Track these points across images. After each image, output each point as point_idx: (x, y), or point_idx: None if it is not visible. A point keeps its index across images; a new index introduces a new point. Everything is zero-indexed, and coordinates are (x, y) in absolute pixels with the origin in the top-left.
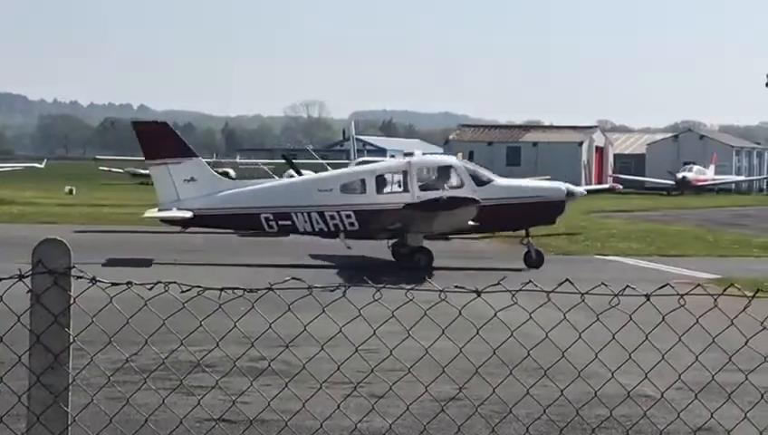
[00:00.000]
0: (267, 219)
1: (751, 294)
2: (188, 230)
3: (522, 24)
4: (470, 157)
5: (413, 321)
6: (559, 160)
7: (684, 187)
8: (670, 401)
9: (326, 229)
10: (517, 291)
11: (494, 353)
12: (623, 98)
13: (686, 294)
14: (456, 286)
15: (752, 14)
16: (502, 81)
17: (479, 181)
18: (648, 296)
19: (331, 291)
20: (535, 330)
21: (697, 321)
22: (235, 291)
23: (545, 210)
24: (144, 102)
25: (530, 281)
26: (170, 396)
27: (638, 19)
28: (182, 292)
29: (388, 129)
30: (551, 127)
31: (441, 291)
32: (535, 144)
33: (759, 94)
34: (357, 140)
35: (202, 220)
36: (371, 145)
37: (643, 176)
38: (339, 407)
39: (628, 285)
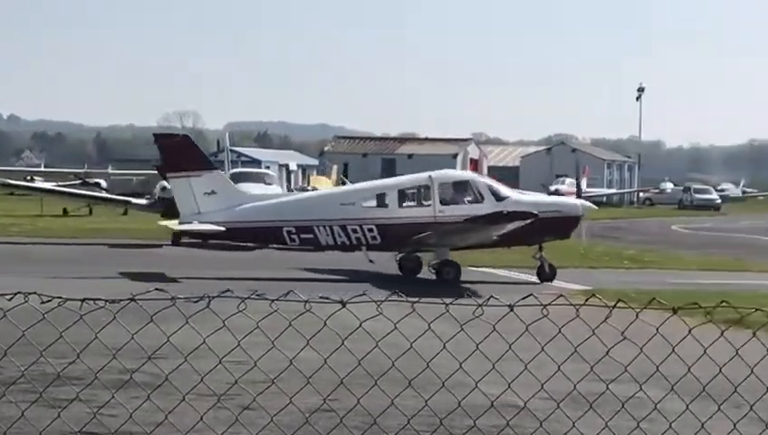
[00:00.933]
0: (290, 233)
1: (613, 304)
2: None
3: (398, 37)
4: (345, 169)
5: (279, 332)
6: None
7: None
8: (534, 411)
9: (348, 243)
10: (382, 301)
11: (359, 364)
12: (498, 111)
13: (549, 304)
14: (320, 297)
15: (622, 29)
16: (378, 92)
17: (498, 196)
18: (511, 307)
19: (195, 302)
20: (402, 340)
21: (560, 331)
22: (97, 302)
23: (561, 225)
24: (14, 112)
25: (395, 291)
26: (31, 409)
27: (507, 31)
28: (42, 302)
29: (263, 140)
30: (426, 139)
31: (306, 301)
32: (410, 156)
33: (630, 108)
34: (231, 151)
35: (228, 233)
36: (246, 156)
37: (517, 188)
38: (202, 419)
39: (492, 296)
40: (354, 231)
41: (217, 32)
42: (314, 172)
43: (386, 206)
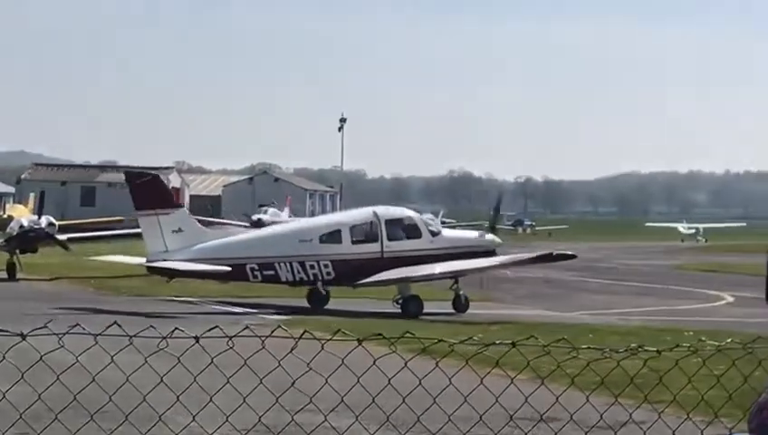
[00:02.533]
0: (252, 269)
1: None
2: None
3: (95, 62)
4: (41, 197)
5: None
6: None
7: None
8: None
9: (306, 278)
10: (64, 334)
11: (40, 398)
12: (201, 139)
13: (235, 335)
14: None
15: (323, 59)
16: (79, 119)
17: (432, 232)
18: (197, 338)
19: None
20: (85, 372)
21: (245, 363)
22: None
23: (479, 257)
24: None
25: (77, 324)
26: None
27: (204, 57)
28: None
29: None
30: (127, 167)
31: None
32: (111, 184)
33: (332, 139)
34: None
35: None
36: None
37: (220, 217)
38: None
39: (176, 328)
40: (312, 267)
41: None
42: (11, 201)
43: (341, 242)
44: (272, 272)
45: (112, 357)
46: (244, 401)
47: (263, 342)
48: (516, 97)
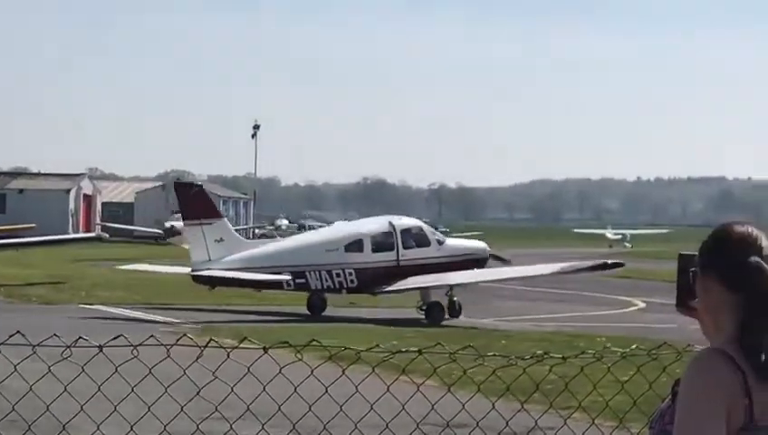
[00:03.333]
0: (286, 278)
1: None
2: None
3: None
4: None
5: None
6: (46, 208)
7: (172, 235)
8: None
9: (333, 286)
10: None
11: None
12: (114, 146)
13: (140, 344)
14: None
15: (235, 67)
16: None
17: (438, 241)
18: (100, 347)
19: None
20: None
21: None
22: None
23: (477, 265)
24: None
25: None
26: None
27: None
28: None
29: None
30: (38, 174)
31: None
32: (21, 191)
33: (245, 146)
34: None
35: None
36: None
37: (132, 224)
38: None
39: (81, 337)
40: (338, 275)
41: None
42: None
43: (362, 251)
44: (303, 280)
45: (15, 366)
46: (149, 409)
47: (168, 350)
48: (429, 105)
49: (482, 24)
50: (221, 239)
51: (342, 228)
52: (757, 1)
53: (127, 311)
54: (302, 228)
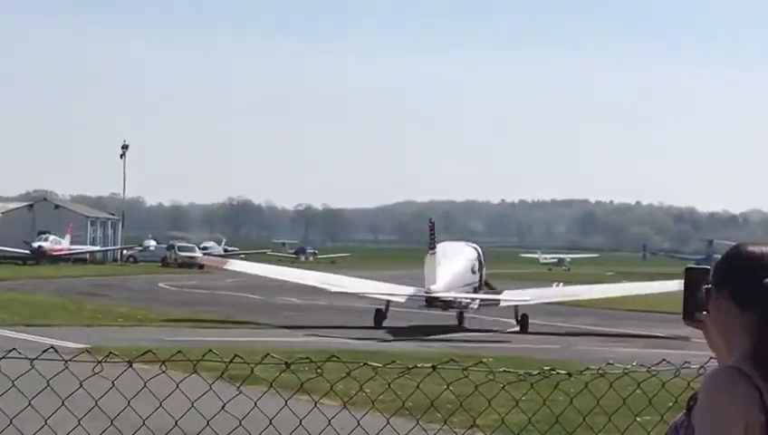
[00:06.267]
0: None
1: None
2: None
3: None
4: None
5: None
6: None
7: (40, 256)
8: None
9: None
10: None
11: None
12: None
13: (36, 358)
14: None
15: (107, 88)
16: None
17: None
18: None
19: None
20: None
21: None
22: None
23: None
24: None
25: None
26: None
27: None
28: None
29: None
30: None
31: None
32: None
33: (107, 165)
34: None
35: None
36: None
37: None
38: None
39: None
40: (474, 291)
41: None
42: None
43: (475, 273)
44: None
45: None
46: (46, 422)
47: (65, 364)
48: (296, 125)
49: (332, 39)
50: (439, 263)
51: (464, 252)
52: None
53: (8, 332)
54: (170, 249)
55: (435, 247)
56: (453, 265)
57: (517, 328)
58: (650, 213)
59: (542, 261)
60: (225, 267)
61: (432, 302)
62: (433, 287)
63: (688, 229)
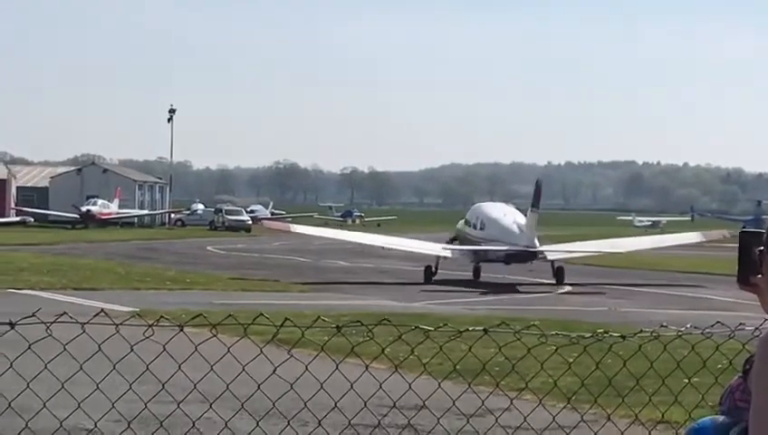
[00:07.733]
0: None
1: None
2: None
3: None
4: None
5: None
6: None
7: (89, 220)
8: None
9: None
10: None
11: None
12: (23, 130)
13: (87, 322)
14: None
15: (152, 56)
16: None
17: None
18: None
19: None
20: None
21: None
22: None
23: None
24: None
25: None
26: None
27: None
28: None
29: None
30: None
31: None
32: None
33: (155, 129)
34: None
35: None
36: None
37: (47, 209)
38: None
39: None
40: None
41: None
42: None
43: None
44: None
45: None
46: (98, 387)
47: (116, 328)
48: (341, 90)
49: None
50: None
51: (516, 214)
52: None
53: (57, 295)
54: (218, 212)
55: (538, 207)
56: (528, 221)
57: (553, 280)
58: (697, 174)
59: (636, 224)
60: (290, 230)
61: (521, 256)
62: (525, 243)
63: (736, 190)
